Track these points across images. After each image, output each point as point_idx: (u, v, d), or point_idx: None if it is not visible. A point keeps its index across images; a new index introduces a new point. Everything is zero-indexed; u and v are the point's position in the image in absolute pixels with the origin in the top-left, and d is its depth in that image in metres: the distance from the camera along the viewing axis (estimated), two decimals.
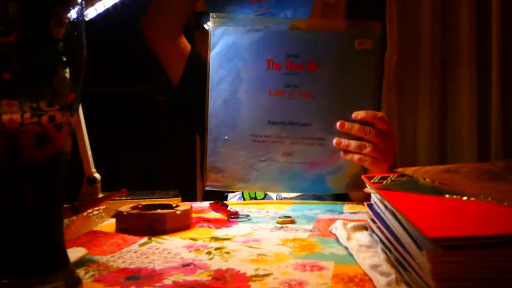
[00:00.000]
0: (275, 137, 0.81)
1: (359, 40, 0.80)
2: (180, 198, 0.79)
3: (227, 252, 0.50)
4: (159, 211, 0.62)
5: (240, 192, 1.11)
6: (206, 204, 0.82)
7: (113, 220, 0.64)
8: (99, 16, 0.87)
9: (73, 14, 0.34)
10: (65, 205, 0.56)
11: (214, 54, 0.81)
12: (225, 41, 0.82)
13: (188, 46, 1.21)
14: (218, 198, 0.82)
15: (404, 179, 0.55)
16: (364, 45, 0.80)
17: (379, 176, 0.57)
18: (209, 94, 0.82)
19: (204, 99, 1.08)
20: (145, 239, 0.56)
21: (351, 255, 0.48)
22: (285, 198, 1.06)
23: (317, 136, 0.81)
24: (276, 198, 1.09)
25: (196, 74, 1.17)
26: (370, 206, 0.53)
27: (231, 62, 0.81)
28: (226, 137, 0.81)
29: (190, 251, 0.50)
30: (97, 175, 0.79)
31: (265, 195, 1.11)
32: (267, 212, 0.76)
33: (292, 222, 0.65)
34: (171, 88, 1.23)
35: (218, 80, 0.82)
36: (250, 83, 0.82)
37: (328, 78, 0.80)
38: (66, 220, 0.55)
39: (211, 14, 0.83)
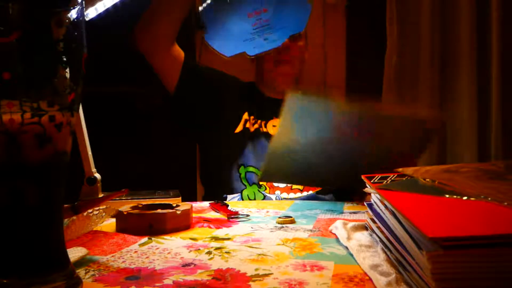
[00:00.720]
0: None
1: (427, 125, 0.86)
2: (180, 198, 0.79)
3: (227, 252, 0.50)
4: (159, 211, 0.62)
5: (239, 194, 1.12)
6: (206, 204, 0.82)
7: (113, 220, 0.64)
8: (99, 16, 0.87)
9: (73, 14, 0.34)
10: (65, 205, 0.56)
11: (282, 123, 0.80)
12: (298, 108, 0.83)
13: (181, 53, 1.22)
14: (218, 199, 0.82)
15: (404, 179, 0.55)
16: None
17: (379, 176, 0.57)
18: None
19: (202, 106, 1.09)
20: (145, 239, 0.56)
21: (351, 255, 0.48)
22: (285, 198, 1.07)
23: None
24: (276, 199, 1.09)
25: (192, 82, 1.17)
26: (370, 206, 0.53)
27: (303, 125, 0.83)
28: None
29: (190, 251, 0.50)
30: (97, 175, 0.79)
31: (264, 196, 1.11)
32: (267, 212, 0.76)
33: (292, 222, 0.65)
34: (168, 97, 1.24)
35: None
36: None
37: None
38: (66, 220, 0.55)
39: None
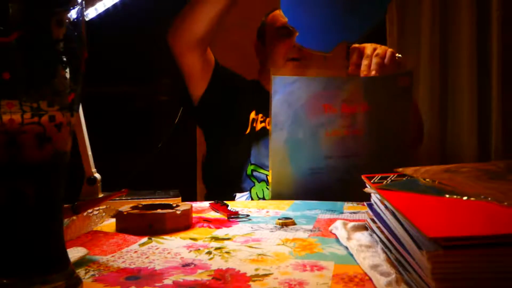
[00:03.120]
0: (330, 168, 0.90)
1: (400, 78, 0.92)
2: (180, 198, 0.79)
3: (227, 252, 0.50)
4: (159, 211, 0.62)
5: (248, 192, 1.12)
6: (206, 204, 0.82)
7: (113, 220, 0.64)
8: (99, 16, 0.87)
9: (73, 14, 0.34)
10: (65, 205, 0.56)
11: (276, 101, 0.87)
12: (286, 89, 0.88)
13: (212, 58, 1.21)
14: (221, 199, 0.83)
15: (404, 179, 0.55)
16: (404, 82, 0.92)
17: (379, 176, 0.57)
18: (272, 134, 0.90)
19: (223, 107, 1.10)
20: (145, 239, 0.56)
21: (351, 255, 0.48)
22: None
23: (365, 162, 0.89)
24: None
25: (218, 84, 1.17)
26: (370, 206, 0.53)
27: (291, 107, 0.88)
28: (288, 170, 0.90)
29: (190, 251, 0.50)
30: (97, 175, 0.79)
31: None
32: (267, 212, 0.76)
33: (293, 223, 0.65)
34: (189, 99, 1.22)
35: (279, 123, 0.89)
36: (309, 126, 0.89)
37: (375, 115, 0.91)
38: (66, 220, 0.55)
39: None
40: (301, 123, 0.89)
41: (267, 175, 1.15)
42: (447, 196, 0.44)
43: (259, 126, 1.20)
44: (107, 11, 0.88)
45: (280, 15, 1.23)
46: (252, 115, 1.21)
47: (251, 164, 1.16)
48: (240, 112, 1.21)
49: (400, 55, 0.97)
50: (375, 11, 0.98)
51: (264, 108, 1.21)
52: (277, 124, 0.90)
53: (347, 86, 0.89)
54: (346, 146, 0.91)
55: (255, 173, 1.16)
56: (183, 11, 1.14)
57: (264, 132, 1.19)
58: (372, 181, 0.54)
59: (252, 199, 1.13)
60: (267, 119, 1.20)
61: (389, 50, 0.96)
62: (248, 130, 1.20)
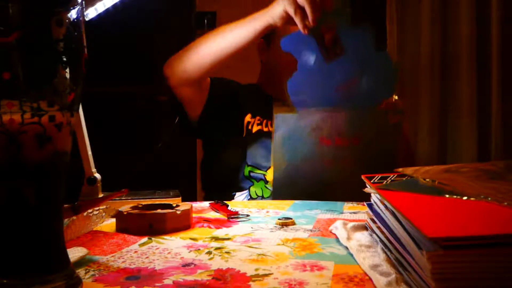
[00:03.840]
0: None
1: (391, 116, 1.00)
2: (180, 198, 0.79)
3: (227, 252, 0.50)
4: (159, 211, 0.62)
5: (247, 191, 1.13)
6: (206, 204, 0.82)
7: (113, 220, 0.64)
8: (99, 16, 0.87)
9: (73, 14, 0.34)
10: (65, 205, 0.56)
11: (277, 136, 0.97)
12: (286, 125, 0.98)
13: (207, 81, 1.20)
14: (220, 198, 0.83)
15: (404, 179, 0.55)
16: (396, 120, 1.00)
17: (379, 176, 0.57)
18: (273, 163, 1.00)
19: (219, 119, 1.13)
20: (145, 239, 0.56)
21: (351, 255, 0.48)
22: None
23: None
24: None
25: (217, 102, 1.17)
26: (370, 206, 0.53)
27: (290, 140, 0.98)
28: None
29: (190, 251, 0.50)
30: (97, 175, 0.79)
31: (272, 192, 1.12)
32: (267, 212, 0.76)
33: (293, 223, 0.65)
34: (188, 120, 1.22)
35: (281, 155, 0.98)
36: (307, 157, 0.98)
37: (366, 148, 0.98)
38: (66, 220, 0.55)
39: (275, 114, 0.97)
40: (299, 154, 0.98)
41: (264, 175, 1.16)
42: (447, 196, 0.44)
43: (255, 128, 1.21)
44: (107, 11, 0.88)
45: (288, 27, 1.24)
46: (248, 118, 1.22)
47: (248, 165, 1.17)
48: (236, 117, 1.22)
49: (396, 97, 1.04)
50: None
51: (261, 111, 1.21)
52: (278, 156, 0.98)
53: (340, 121, 0.98)
54: (337, 173, 0.99)
55: (252, 174, 1.17)
56: (182, 50, 1.13)
57: (260, 134, 1.20)
58: (372, 181, 0.54)
59: (251, 197, 1.13)
60: (264, 121, 1.21)
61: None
62: (244, 134, 1.20)
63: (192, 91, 1.17)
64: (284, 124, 0.97)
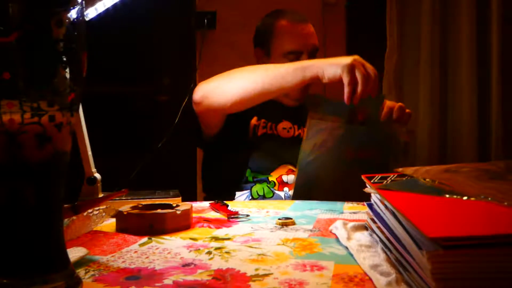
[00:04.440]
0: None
1: (402, 134, 1.06)
2: (180, 198, 0.79)
3: (227, 252, 0.50)
4: (159, 211, 0.62)
5: (248, 190, 1.12)
6: (206, 204, 0.82)
7: (113, 220, 0.64)
8: (99, 16, 0.87)
9: (73, 14, 0.34)
10: (65, 205, 0.56)
11: (307, 143, 0.99)
12: (318, 134, 0.99)
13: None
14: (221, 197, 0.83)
15: (404, 179, 0.55)
16: (406, 138, 1.09)
17: (379, 176, 0.57)
18: (298, 168, 0.99)
19: (233, 132, 1.17)
20: (145, 239, 0.56)
21: (351, 255, 0.48)
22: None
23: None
24: (284, 197, 1.10)
25: (233, 128, 1.16)
26: (370, 206, 0.53)
27: (321, 148, 0.99)
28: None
29: (190, 251, 0.50)
30: (97, 175, 0.79)
31: (273, 193, 1.11)
32: (267, 212, 0.76)
33: (293, 223, 0.65)
34: (202, 135, 1.21)
35: (307, 161, 0.99)
36: (330, 167, 1.00)
37: (378, 161, 1.03)
38: (66, 220, 0.55)
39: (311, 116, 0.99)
40: (324, 162, 1.00)
41: (268, 177, 1.15)
42: (447, 196, 0.44)
43: (261, 131, 1.20)
44: (107, 11, 0.88)
45: (288, 34, 1.23)
46: (254, 121, 1.21)
47: (252, 171, 1.16)
48: (243, 120, 1.20)
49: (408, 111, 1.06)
50: None
51: (266, 114, 1.21)
52: (304, 162, 0.99)
53: (361, 137, 1.01)
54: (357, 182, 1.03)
55: (255, 179, 1.16)
56: (216, 78, 1.10)
57: (266, 138, 1.19)
58: (372, 181, 0.54)
59: (252, 197, 1.13)
60: (269, 124, 1.21)
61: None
62: (249, 135, 1.20)
63: (217, 117, 1.16)
64: (316, 131, 0.98)
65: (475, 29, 1.74)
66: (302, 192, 0.97)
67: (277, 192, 1.13)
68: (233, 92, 1.06)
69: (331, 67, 0.95)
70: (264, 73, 1.03)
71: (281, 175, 1.16)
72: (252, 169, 1.16)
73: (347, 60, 0.94)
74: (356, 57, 0.96)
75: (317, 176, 0.99)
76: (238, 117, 1.15)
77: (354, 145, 1.01)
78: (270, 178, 1.15)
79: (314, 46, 1.24)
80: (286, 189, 1.13)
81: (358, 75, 0.93)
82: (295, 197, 0.97)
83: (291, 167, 1.18)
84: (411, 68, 1.81)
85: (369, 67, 0.95)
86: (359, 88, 0.93)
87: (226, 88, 1.07)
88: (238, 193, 1.14)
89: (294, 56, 1.21)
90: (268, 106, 1.20)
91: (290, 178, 1.15)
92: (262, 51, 1.29)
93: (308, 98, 1.27)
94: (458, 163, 0.62)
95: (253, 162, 1.16)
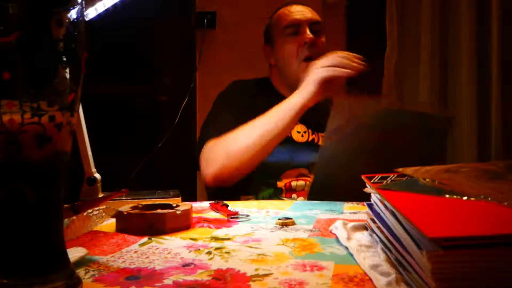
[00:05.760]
0: None
1: (438, 121, 0.99)
2: (180, 198, 0.79)
3: (227, 252, 0.50)
4: (159, 211, 0.62)
5: (253, 196, 1.10)
6: (206, 204, 0.82)
7: (113, 220, 0.64)
8: (99, 16, 0.87)
9: (73, 14, 0.34)
10: (65, 205, 0.56)
11: (331, 123, 0.93)
12: (343, 111, 0.95)
13: None
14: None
15: (404, 179, 0.55)
16: (441, 125, 1.00)
17: (379, 176, 0.57)
18: (319, 152, 0.98)
19: None
20: (145, 239, 0.56)
21: (351, 255, 0.48)
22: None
23: None
24: None
25: None
26: (370, 206, 0.53)
27: (343, 130, 0.93)
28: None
29: (190, 251, 0.50)
30: (97, 175, 0.79)
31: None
32: (267, 212, 0.76)
33: (293, 223, 0.65)
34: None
35: (328, 145, 0.95)
36: (354, 152, 0.92)
37: (411, 148, 0.95)
38: (66, 220, 0.55)
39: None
40: (350, 142, 0.94)
41: (276, 182, 1.11)
42: (447, 196, 0.44)
43: None
44: (107, 11, 0.88)
45: (284, 13, 1.20)
46: None
47: (260, 174, 1.10)
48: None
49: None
50: None
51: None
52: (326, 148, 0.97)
53: (389, 123, 0.94)
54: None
55: (263, 182, 1.12)
56: (221, 159, 1.04)
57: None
58: (372, 181, 0.54)
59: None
60: None
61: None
62: None
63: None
64: (343, 111, 0.94)
65: (475, 29, 1.74)
66: (321, 181, 0.93)
67: (284, 199, 1.10)
68: (244, 157, 1.02)
69: (304, 89, 0.99)
70: (253, 129, 1.02)
71: (290, 181, 1.12)
72: (261, 171, 1.10)
73: (312, 76, 0.97)
74: (322, 61, 0.97)
75: (339, 163, 0.93)
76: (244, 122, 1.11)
77: (382, 128, 0.94)
78: (279, 184, 1.11)
79: (313, 19, 1.20)
80: (294, 196, 1.10)
81: (334, 61, 0.95)
82: (314, 187, 0.94)
83: (302, 170, 1.13)
84: (411, 68, 1.81)
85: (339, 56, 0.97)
86: (344, 71, 0.94)
87: (236, 159, 1.03)
88: (243, 197, 1.10)
89: (293, 29, 1.17)
90: (276, 104, 1.18)
91: (299, 184, 1.11)
92: (268, 47, 1.26)
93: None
94: (458, 163, 0.62)
95: (262, 164, 1.08)
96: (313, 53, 1.15)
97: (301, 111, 1.00)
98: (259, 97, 1.20)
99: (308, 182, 1.13)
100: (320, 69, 0.99)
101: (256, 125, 1.03)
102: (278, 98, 1.19)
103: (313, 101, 1.00)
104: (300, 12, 1.20)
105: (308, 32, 1.16)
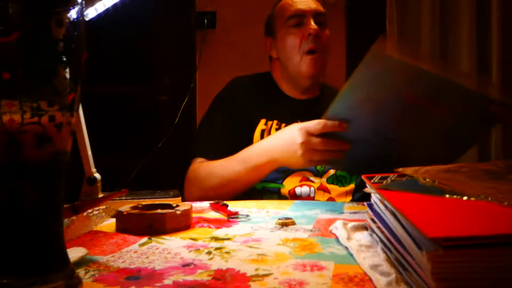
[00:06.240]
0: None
1: (492, 104, 0.81)
2: (180, 198, 0.79)
3: (227, 252, 0.50)
4: (159, 211, 0.62)
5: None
6: (206, 204, 0.82)
7: (113, 220, 0.64)
8: (99, 16, 0.87)
9: (73, 14, 0.34)
10: (65, 205, 0.56)
11: (362, 73, 0.79)
12: (380, 63, 0.80)
13: None
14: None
15: (404, 179, 0.55)
16: (495, 109, 0.82)
17: (379, 176, 0.57)
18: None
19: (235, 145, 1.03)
20: (145, 239, 0.56)
21: (351, 255, 0.48)
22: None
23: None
24: None
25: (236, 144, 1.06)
26: (370, 206, 0.53)
27: (378, 78, 0.79)
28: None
29: (190, 251, 0.50)
30: (97, 175, 0.79)
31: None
32: (267, 212, 0.76)
33: (293, 223, 0.65)
34: None
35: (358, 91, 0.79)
36: (384, 104, 0.80)
37: (450, 121, 0.82)
38: (66, 220, 0.55)
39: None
40: (379, 97, 0.80)
41: (280, 188, 1.06)
42: (447, 196, 0.44)
43: (273, 133, 1.08)
44: (107, 11, 0.88)
45: (288, 4, 1.15)
46: (261, 125, 1.11)
47: (260, 182, 1.03)
48: (248, 129, 1.11)
49: None
50: None
51: (278, 113, 1.10)
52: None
53: (433, 85, 0.80)
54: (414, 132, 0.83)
55: (266, 188, 1.06)
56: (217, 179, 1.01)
57: None
58: (372, 181, 0.54)
59: None
60: (282, 125, 1.10)
61: None
62: (256, 140, 1.09)
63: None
64: (378, 62, 0.79)
65: (475, 29, 1.74)
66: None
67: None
68: (223, 190, 0.98)
69: (292, 158, 0.88)
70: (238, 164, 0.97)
71: (295, 187, 1.06)
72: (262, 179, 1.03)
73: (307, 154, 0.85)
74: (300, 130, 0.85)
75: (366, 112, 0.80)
76: (242, 127, 1.08)
77: (420, 93, 0.79)
78: (282, 190, 1.05)
79: (317, 10, 1.14)
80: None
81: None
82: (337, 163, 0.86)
83: (307, 174, 1.08)
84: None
85: None
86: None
87: (214, 192, 0.98)
88: None
89: (297, 20, 1.12)
90: (278, 102, 1.14)
91: (304, 190, 1.06)
92: (270, 39, 1.21)
93: (325, 89, 1.18)
94: (458, 163, 0.62)
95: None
96: (317, 46, 1.09)
97: (278, 166, 0.94)
98: (258, 94, 1.17)
99: (312, 188, 1.07)
100: (317, 153, 0.86)
101: (233, 162, 0.99)
102: (278, 94, 1.18)
103: (295, 167, 0.94)
104: (304, 2, 1.14)
105: (312, 23, 1.10)
